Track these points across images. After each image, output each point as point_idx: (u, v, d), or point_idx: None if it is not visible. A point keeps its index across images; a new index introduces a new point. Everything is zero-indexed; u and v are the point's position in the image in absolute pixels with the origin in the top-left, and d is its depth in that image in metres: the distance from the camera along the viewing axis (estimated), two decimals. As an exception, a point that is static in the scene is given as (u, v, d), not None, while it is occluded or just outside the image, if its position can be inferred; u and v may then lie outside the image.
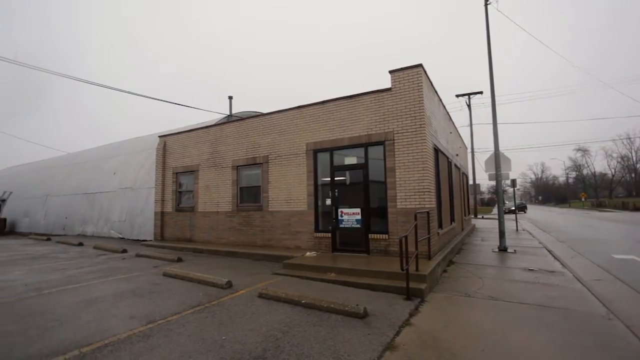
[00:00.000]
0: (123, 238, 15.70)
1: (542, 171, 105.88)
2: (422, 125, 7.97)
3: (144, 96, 19.38)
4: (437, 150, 9.57)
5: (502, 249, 10.68)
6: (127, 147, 19.50)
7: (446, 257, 8.46)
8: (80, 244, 13.70)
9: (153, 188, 14.45)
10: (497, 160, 11.43)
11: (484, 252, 10.60)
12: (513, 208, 38.90)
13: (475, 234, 16.53)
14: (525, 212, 42.56)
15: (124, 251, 11.37)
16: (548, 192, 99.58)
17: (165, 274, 7.56)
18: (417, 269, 6.37)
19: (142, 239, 14.76)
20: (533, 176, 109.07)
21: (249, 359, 3.55)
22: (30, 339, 4.13)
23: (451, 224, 11.49)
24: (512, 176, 16.57)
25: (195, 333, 4.25)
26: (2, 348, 3.88)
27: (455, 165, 13.71)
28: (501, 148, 11.81)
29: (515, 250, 10.66)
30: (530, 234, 16.22)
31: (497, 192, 11.72)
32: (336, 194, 9.05)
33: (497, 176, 11.48)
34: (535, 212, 46.42)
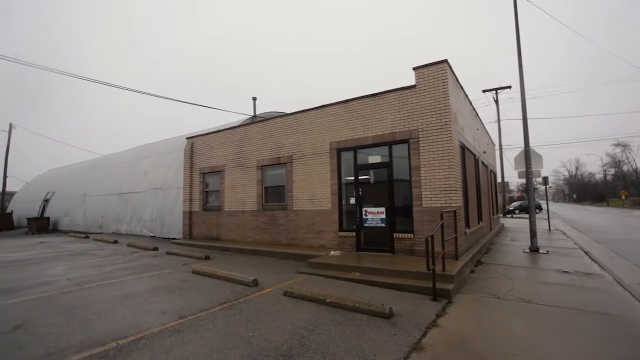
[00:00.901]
0: (154, 236, 16.36)
1: (577, 168, 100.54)
2: (448, 123, 7.79)
3: (168, 98, 20.06)
4: (463, 148, 9.33)
5: (534, 249, 10.26)
6: (157, 149, 20.28)
7: (474, 257, 8.23)
8: (115, 242, 14.41)
9: (181, 188, 14.96)
10: (528, 157, 10.98)
11: (513, 253, 10.23)
12: (511, 208, 36.14)
13: (504, 233, 15.97)
14: (539, 212, 39.31)
15: (155, 249, 11.84)
16: (583, 190, 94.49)
17: (194, 272, 7.81)
18: (443, 269, 6.25)
19: (171, 237, 15.32)
20: (567, 173, 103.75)
21: (275, 356, 3.62)
22: (73, 330, 4.40)
23: (479, 223, 11.16)
24: (543, 173, 15.88)
25: (224, 329, 4.38)
26: (50, 337, 4.16)
27: (483, 163, 13.30)
28: (532, 144, 11.34)
29: (547, 251, 10.21)
30: (564, 234, 15.47)
31: (528, 191, 11.26)
32: (360, 192, 9.02)
33: (528, 174, 11.03)
34: (568, 211, 44.17)
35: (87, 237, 17.05)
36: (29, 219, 22.39)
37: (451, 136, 7.77)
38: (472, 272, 7.60)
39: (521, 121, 11.09)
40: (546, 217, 18.70)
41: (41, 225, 21.90)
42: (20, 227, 25.67)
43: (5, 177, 31.33)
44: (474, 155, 11.28)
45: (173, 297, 5.87)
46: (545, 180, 17.98)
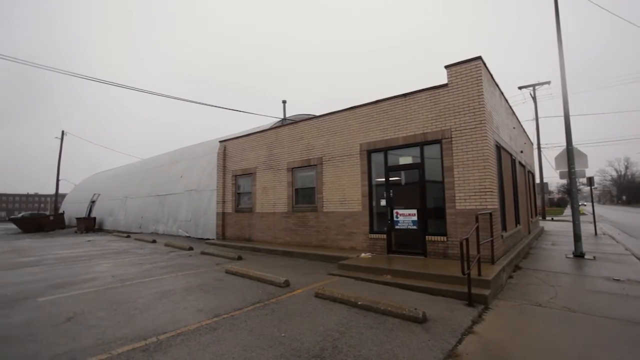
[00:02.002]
0: (189, 236, 17.02)
1: (627, 167, 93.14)
2: (483, 122, 7.51)
3: (203, 103, 20.79)
4: (499, 148, 8.95)
5: (579, 254, 9.63)
6: (192, 152, 21.11)
7: (511, 262, 7.86)
8: (154, 241, 15.14)
9: (215, 190, 15.46)
10: (570, 156, 10.33)
11: (555, 258, 9.65)
12: None
13: (544, 237, 15.11)
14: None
15: (190, 249, 12.31)
16: (634, 191, 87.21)
17: (227, 271, 8.05)
18: (479, 274, 6.02)
19: (205, 237, 15.86)
20: (614, 173, 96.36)
21: (307, 357, 3.65)
22: (118, 323, 4.68)
23: (516, 226, 10.65)
24: (588, 173, 14.87)
25: (257, 329, 4.47)
26: (98, 330, 4.45)
27: (520, 163, 12.68)
28: (575, 142, 10.66)
29: (594, 257, 9.54)
30: (613, 238, 14.38)
31: (571, 192, 10.59)
32: (391, 194, 8.90)
33: (571, 174, 10.38)
34: (617, 214, 41.03)
35: (128, 236, 18.04)
36: (78, 219, 24.05)
37: (486, 136, 7.48)
38: (510, 277, 7.26)
39: (562, 118, 10.46)
40: (591, 220, 17.48)
41: (88, 224, 23.45)
42: (71, 226, 27.64)
43: (58, 180, 33.89)
44: (511, 155, 10.79)
45: (208, 296, 6.08)
46: (590, 181, 16.83)
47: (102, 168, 39.48)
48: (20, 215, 33.52)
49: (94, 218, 24.67)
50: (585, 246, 10.45)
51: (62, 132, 34.19)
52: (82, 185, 35.41)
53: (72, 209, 30.92)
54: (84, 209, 28.64)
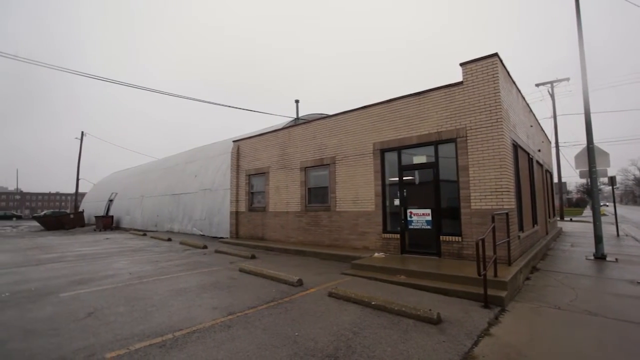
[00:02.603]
0: (203, 235, 17.27)
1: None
2: (499, 120, 7.36)
3: (217, 104, 21.04)
4: (516, 146, 8.76)
5: (600, 256, 9.33)
6: (206, 152, 21.40)
7: (529, 263, 7.69)
8: (169, 240, 15.42)
9: (229, 189, 15.64)
10: (591, 154, 10.02)
11: (575, 260, 9.39)
12: None
13: (562, 238, 14.71)
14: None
15: (205, 247, 12.49)
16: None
17: (241, 270, 8.13)
18: (495, 275, 5.91)
19: (219, 236, 16.07)
20: (638, 172, 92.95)
21: (321, 356, 3.65)
22: (135, 320, 4.79)
23: (533, 226, 10.40)
24: (610, 173, 14.41)
25: (270, 327, 4.50)
26: (116, 325, 4.56)
27: (537, 162, 12.37)
28: (596, 140, 10.33)
29: (617, 259, 9.23)
30: (637, 240, 13.89)
31: (592, 192, 10.28)
32: (405, 194, 8.82)
33: (591, 173, 10.07)
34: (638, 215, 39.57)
35: (144, 234, 18.43)
36: (96, 217, 24.71)
37: (502, 134, 7.33)
38: (527, 279, 7.10)
39: (581, 116, 10.15)
40: (613, 221, 16.92)
41: (106, 223, 24.07)
42: (90, 224, 28.41)
43: (77, 179, 34.89)
44: (528, 154, 10.54)
45: (222, 294, 6.16)
46: (611, 181, 16.29)
47: (118, 168, 40.45)
48: (42, 213, 34.64)
49: (112, 216, 25.29)
50: (607, 248, 10.12)
51: (82, 132, 35.20)
52: (100, 184, 36.37)
53: (91, 208, 31.80)
54: (103, 207, 29.41)
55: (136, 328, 4.47)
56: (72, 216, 27.56)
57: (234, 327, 4.51)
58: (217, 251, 11.50)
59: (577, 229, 19.14)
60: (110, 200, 28.89)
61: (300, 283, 6.67)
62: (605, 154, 11.01)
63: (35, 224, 30.81)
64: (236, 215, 14.55)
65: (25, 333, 4.34)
